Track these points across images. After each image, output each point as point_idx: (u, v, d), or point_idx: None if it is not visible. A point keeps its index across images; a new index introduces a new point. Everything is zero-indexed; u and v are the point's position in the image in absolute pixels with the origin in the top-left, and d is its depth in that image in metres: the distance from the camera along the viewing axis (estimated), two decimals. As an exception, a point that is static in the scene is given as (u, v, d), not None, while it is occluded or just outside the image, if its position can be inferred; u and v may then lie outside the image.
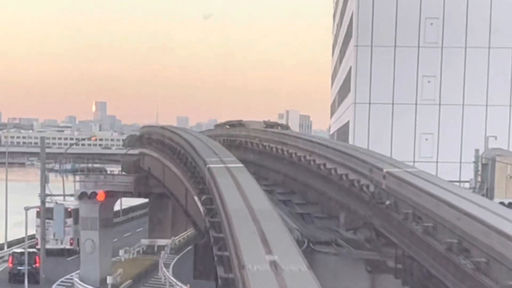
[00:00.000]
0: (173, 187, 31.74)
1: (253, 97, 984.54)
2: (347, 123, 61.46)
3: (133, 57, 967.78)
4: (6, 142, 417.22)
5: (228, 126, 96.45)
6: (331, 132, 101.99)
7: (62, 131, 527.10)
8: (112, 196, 46.84)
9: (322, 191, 25.90)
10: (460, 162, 55.51)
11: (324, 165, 24.20)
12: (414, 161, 57.74)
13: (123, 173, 49.04)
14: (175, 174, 29.66)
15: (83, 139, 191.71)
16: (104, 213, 46.94)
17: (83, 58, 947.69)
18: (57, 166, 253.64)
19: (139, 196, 50.94)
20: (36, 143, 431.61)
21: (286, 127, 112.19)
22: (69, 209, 52.71)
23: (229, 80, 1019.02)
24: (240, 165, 21.74)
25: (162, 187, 40.37)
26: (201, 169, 21.60)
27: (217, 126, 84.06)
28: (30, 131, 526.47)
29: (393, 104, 57.25)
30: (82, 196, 47.80)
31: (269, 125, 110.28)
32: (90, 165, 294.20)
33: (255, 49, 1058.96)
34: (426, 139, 57.78)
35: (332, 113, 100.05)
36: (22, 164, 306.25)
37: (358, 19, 57.11)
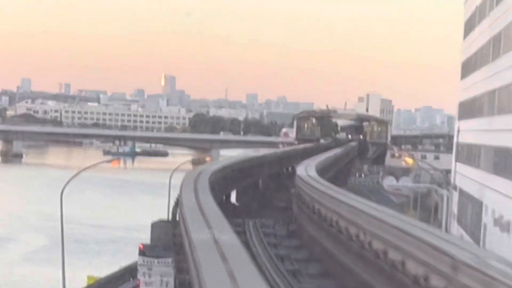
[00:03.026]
0: None
1: (327, 78, 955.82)
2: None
3: (202, 31, 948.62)
4: (67, 119, 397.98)
5: (314, 119, 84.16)
6: (461, 140, 74.20)
7: (129, 105, 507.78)
8: None
9: None
10: None
11: None
12: None
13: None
14: None
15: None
16: None
17: (153, 32, 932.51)
18: (114, 148, 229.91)
19: None
20: (98, 118, 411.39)
21: (384, 122, 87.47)
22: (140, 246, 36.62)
23: (300, 59, 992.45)
24: None
25: None
26: None
27: (298, 118, 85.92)
28: (96, 104, 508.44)
29: None
30: None
31: (363, 119, 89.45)
32: (153, 145, 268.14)
33: (331, 28, 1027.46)
34: None
35: (467, 114, 72.18)
36: (79, 144, 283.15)
37: None
